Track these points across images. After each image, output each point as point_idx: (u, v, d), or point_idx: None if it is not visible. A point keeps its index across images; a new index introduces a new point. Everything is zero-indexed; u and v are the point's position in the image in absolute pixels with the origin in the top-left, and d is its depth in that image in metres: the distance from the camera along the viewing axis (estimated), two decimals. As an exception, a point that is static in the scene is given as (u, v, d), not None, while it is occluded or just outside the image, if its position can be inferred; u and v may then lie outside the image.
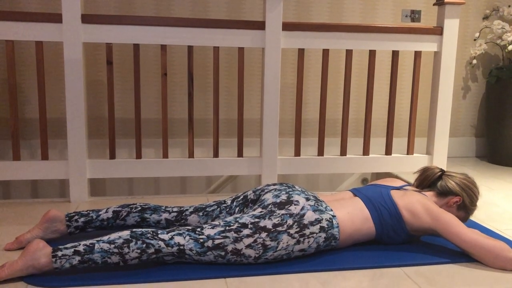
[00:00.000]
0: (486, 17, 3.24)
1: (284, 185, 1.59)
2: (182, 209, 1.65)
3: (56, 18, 2.03)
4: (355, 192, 1.68)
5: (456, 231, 1.48)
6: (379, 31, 2.32)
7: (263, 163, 2.29)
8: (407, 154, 2.50)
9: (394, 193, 1.61)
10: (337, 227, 1.50)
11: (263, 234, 1.40)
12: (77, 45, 2.05)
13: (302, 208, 1.46)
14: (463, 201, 1.65)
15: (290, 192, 1.52)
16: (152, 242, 1.35)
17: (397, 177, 2.52)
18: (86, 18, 2.06)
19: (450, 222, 1.49)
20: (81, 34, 2.06)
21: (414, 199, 1.56)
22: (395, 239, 1.59)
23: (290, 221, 1.43)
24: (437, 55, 2.43)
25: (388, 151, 2.47)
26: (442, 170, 1.72)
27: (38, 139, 2.81)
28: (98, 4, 2.80)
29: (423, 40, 2.38)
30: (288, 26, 2.23)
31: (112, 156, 2.21)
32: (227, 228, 1.40)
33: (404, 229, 1.57)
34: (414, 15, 3.12)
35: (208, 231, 1.40)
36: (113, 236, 1.35)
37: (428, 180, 1.72)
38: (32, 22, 2.02)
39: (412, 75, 2.45)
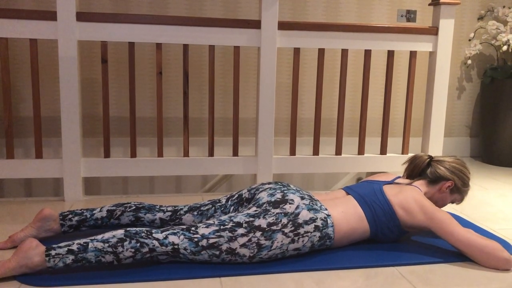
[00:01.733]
0: (481, 18, 3.25)
1: (279, 184, 1.59)
2: (176, 208, 1.65)
3: (50, 15, 2.02)
4: (348, 190, 1.68)
5: (451, 230, 1.49)
6: (374, 31, 2.32)
7: (259, 162, 2.29)
8: (402, 153, 2.50)
9: (387, 189, 1.61)
10: (332, 226, 1.50)
11: (258, 233, 1.40)
12: (72, 43, 2.04)
13: (297, 207, 1.46)
14: (455, 184, 1.67)
15: (285, 191, 1.52)
16: (146, 241, 1.35)
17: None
18: (81, 16, 2.05)
19: (444, 221, 1.50)
20: (76, 32, 2.05)
21: (408, 197, 1.56)
22: (389, 236, 1.59)
23: (284, 220, 1.43)
24: (432, 55, 2.44)
25: (383, 151, 2.48)
26: (430, 157, 1.73)
27: (32, 138, 2.80)
28: (93, 2, 2.79)
29: (418, 40, 2.38)
30: (284, 25, 2.23)
31: (107, 154, 2.20)
32: (221, 227, 1.40)
33: (398, 226, 1.57)
34: (410, 15, 3.13)
35: (202, 230, 1.40)
36: (107, 235, 1.35)
37: (418, 169, 1.72)
38: (27, 20, 2.01)
39: (407, 75, 2.46)
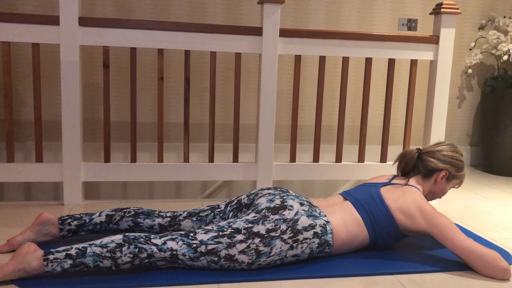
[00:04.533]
0: (481, 27, 3.27)
1: (278, 189, 1.59)
2: (175, 214, 1.65)
3: (53, 20, 2.03)
4: (345, 195, 1.67)
5: (451, 236, 1.48)
6: (375, 39, 2.33)
7: (259, 169, 2.29)
8: (402, 162, 2.50)
9: (385, 193, 1.60)
10: (331, 233, 1.50)
11: (256, 240, 1.39)
12: (74, 48, 2.05)
13: (296, 213, 1.46)
14: (450, 173, 1.66)
15: (284, 197, 1.51)
16: (144, 246, 1.34)
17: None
18: (84, 21, 2.06)
19: (445, 227, 1.49)
20: (78, 37, 2.06)
21: (409, 201, 1.55)
22: (388, 241, 1.59)
23: (283, 227, 1.43)
24: (433, 64, 2.45)
25: (383, 159, 2.48)
26: (419, 150, 1.72)
27: (33, 141, 2.80)
28: (95, 7, 2.81)
29: (419, 49, 2.39)
30: (285, 33, 2.23)
31: (107, 159, 2.20)
32: (220, 233, 1.39)
33: (397, 230, 1.56)
34: (411, 23, 3.14)
35: (201, 236, 1.39)
36: (105, 240, 1.34)
37: (410, 164, 1.71)
38: (29, 24, 2.02)
39: (408, 83, 2.46)
